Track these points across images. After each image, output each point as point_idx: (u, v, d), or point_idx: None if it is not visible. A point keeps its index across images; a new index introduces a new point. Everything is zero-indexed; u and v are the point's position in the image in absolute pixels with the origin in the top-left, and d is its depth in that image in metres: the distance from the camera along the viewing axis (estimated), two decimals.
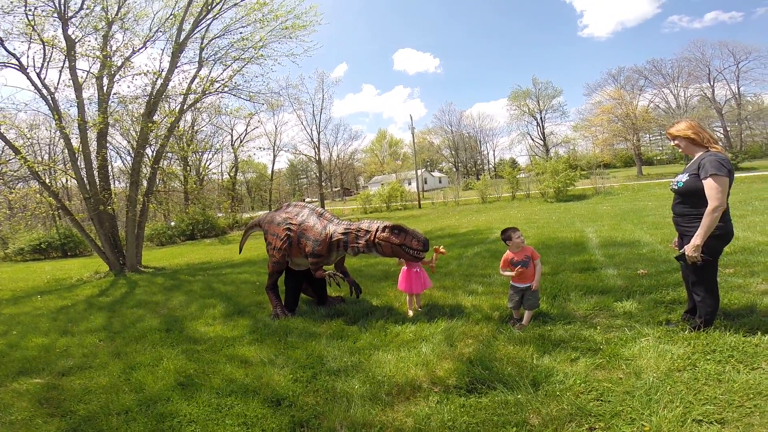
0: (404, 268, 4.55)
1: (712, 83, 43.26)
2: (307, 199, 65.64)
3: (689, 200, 3.11)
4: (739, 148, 41.56)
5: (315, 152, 41.42)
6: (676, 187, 3.21)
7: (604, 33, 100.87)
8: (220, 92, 12.74)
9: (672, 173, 33.83)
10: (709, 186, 2.89)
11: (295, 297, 5.13)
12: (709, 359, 2.79)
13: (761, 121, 44.61)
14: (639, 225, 9.88)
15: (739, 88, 43.65)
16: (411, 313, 4.50)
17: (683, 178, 3.14)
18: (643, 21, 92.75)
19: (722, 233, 2.99)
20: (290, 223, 4.72)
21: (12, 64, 10.02)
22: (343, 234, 4.36)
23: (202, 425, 2.62)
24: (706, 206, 2.91)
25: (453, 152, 74.05)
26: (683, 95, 45.07)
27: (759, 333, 3.02)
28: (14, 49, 10.05)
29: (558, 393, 2.58)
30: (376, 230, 4.21)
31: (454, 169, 72.04)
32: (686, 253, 2.98)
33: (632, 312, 3.86)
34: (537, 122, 60.96)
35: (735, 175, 3.11)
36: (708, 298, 3.13)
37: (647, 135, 51.57)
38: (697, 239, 2.93)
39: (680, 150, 3.27)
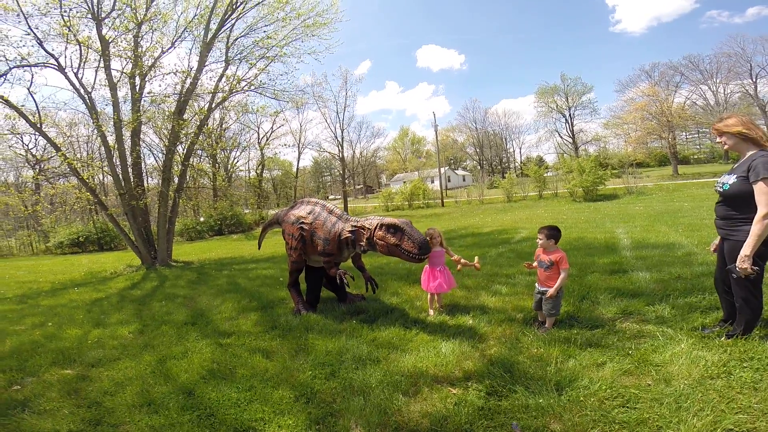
0: (427, 266, 4.49)
1: (754, 79, 40.83)
2: (331, 197, 66.26)
3: (735, 204, 2.88)
4: None
5: (338, 150, 41.67)
6: (721, 189, 2.98)
7: (638, 28, 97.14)
8: (247, 90, 12.99)
9: (710, 172, 32.33)
10: (760, 191, 2.65)
11: (316, 294, 5.16)
12: (745, 367, 2.64)
13: None
14: (674, 226, 9.48)
15: None
16: (432, 312, 4.45)
17: (730, 179, 2.89)
18: (679, 16, 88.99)
19: None
20: (303, 222, 4.74)
21: (51, 64, 10.46)
22: (350, 232, 4.33)
23: (220, 419, 2.66)
24: (755, 211, 2.68)
25: (477, 150, 72.90)
26: (723, 92, 42.85)
27: None
28: (53, 50, 10.47)
29: (582, 398, 2.49)
30: (375, 228, 4.09)
31: (479, 167, 71.03)
32: (737, 265, 2.74)
33: (665, 316, 3.69)
34: (566, 119, 59.23)
35: None
36: (749, 304, 2.93)
37: (683, 133, 49.38)
38: (746, 249, 2.68)
39: (726, 147, 3.00)
